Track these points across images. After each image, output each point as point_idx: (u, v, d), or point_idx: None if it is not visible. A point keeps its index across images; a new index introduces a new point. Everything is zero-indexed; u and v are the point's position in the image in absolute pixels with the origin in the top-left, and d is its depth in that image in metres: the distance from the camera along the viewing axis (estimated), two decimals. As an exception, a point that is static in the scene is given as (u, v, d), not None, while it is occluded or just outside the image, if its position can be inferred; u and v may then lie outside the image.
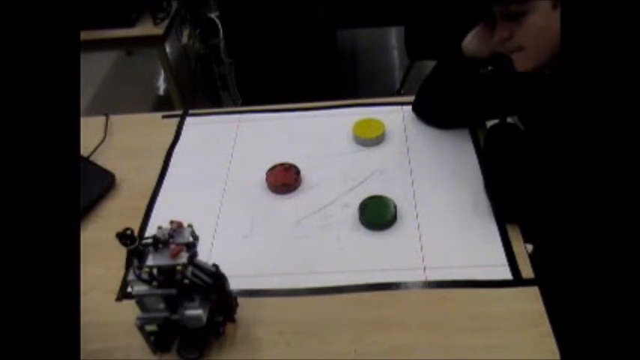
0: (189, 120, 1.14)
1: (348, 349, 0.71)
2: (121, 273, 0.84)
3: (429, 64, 1.04)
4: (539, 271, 0.78)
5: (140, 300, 0.68)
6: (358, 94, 2.44)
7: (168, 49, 2.12)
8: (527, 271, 0.78)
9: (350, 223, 0.88)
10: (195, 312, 0.67)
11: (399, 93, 2.44)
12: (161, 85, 2.73)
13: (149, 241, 0.66)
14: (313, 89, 1.91)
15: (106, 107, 1.42)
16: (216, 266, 0.70)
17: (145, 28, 1.93)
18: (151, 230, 0.91)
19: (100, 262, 0.86)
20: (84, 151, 1.06)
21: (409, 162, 0.98)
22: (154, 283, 0.65)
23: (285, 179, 0.95)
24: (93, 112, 2.15)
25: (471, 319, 0.73)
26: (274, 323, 0.75)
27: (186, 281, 0.65)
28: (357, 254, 0.84)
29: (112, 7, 1.88)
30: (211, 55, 1.94)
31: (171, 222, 0.67)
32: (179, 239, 0.66)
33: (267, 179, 0.96)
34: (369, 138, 1.02)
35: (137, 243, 0.65)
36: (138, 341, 0.75)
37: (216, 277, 0.68)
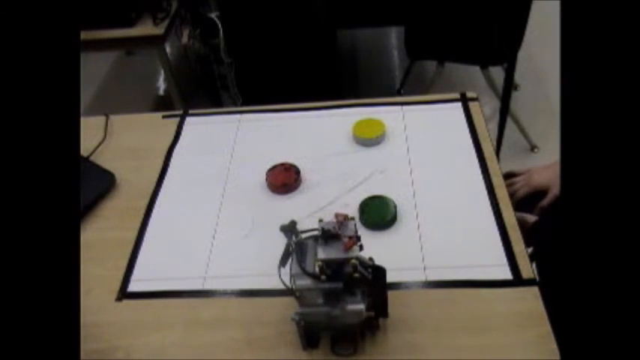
0: (189, 120, 1.14)
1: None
2: (121, 273, 0.84)
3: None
4: (540, 271, 0.78)
5: (301, 294, 0.65)
6: (358, 94, 2.44)
7: (168, 49, 2.12)
8: (527, 271, 0.78)
9: (350, 223, 0.88)
10: (357, 307, 0.65)
11: (399, 93, 2.44)
12: (161, 85, 2.73)
13: (315, 233, 0.64)
14: (313, 89, 1.92)
15: (106, 107, 1.42)
16: (372, 259, 0.67)
17: (145, 28, 1.93)
18: (151, 230, 0.91)
19: (100, 262, 0.86)
20: (84, 151, 1.06)
21: (409, 162, 0.98)
22: (323, 277, 0.63)
23: (285, 179, 0.95)
24: (93, 112, 2.15)
25: (471, 319, 0.73)
26: (274, 323, 0.75)
27: (356, 275, 0.63)
28: (357, 254, 0.84)
29: (112, 7, 1.87)
30: (211, 55, 1.93)
31: (337, 215, 0.65)
32: (346, 232, 0.64)
33: (267, 179, 0.96)
34: (369, 138, 1.02)
35: (300, 236, 0.64)
36: (138, 341, 0.75)
37: (377, 270, 0.66)
